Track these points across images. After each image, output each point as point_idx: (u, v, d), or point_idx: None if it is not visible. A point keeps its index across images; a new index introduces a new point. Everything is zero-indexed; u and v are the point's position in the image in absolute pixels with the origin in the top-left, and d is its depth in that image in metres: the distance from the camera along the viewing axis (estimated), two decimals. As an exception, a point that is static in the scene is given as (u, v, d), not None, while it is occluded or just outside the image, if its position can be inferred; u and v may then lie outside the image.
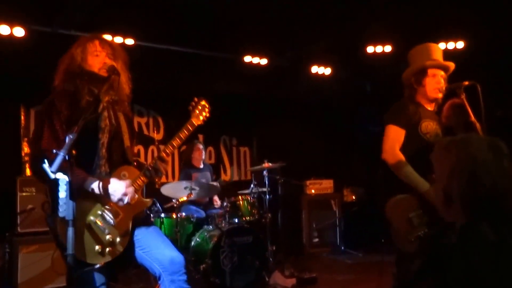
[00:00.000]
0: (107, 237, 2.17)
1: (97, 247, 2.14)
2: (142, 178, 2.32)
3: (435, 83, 2.78)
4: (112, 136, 2.32)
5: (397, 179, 2.66)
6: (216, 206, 5.20)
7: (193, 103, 2.57)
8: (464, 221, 1.39)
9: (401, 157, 2.66)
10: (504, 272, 1.24)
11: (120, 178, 2.26)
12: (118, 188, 2.17)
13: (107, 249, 2.16)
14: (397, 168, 2.65)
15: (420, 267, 1.41)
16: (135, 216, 2.31)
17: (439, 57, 2.85)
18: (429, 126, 2.79)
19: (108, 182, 2.16)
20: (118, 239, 2.20)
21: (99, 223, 2.17)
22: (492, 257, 1.27)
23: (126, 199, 2.19)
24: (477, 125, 2.61)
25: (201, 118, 2.56)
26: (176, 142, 2.42)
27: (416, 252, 2.11)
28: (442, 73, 2.81)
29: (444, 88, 2.79)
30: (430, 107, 2.87)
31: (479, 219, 1.35)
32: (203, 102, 2.59)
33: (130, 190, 2.22)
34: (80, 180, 2.11)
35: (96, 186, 2.14)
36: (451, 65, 2.84)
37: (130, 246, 2.28)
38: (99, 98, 2.25)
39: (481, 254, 1.28)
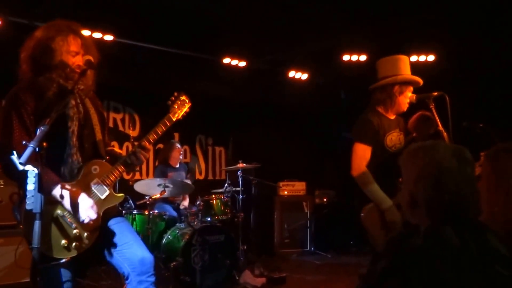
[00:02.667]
0: (74, 231, 2.11)
1: (63, 242, 2.09)
2: (119, 168, 2.28)
3: (409, 96, 2.92)
4: (82, 124, 2.26)
5: None
6: (181, 207, 5.15)
7: (173, 98, 2.52)
8: (428, 224, 1.42)
9: (367, 174, 2.80)
10: (466, 276, 1.27)
11: (91, 172, 2.22)
12: (85, 207, 2.10)
13: (74, 244, 2.10)
14: (363, 184, 2.80)
15: (385, 268, 1.44)
16: (106, 212, 2.25)
17: (409, 71, 2.98)
18: (393, 138, 2.95)
19: (77, 196, 2.09)
20: (85, 234, 2.14)
21: (66, 217, 2.12)
22: (454, 261, 1.29)
23: (87, 220, 2.12)
24: (444, 134, 2.75)
25: (180, 113, 2.50)
26: (152, 137, 2.37)
27: (381, 253, 2.21)
28: (411, 88, 2.95)
29: (414, 99, 2.92)
30: (392, 117, 3.00)
31: (443, 223, 1.38)
32: (183, 97, 2.53)
33: (92, 211, 2.13)
34: (51, 184, 2.04)
35: (59, 193, 2.05)
36: (420, 82, 2.97)
37: (99, 242, 2.22)
38: (70, 91, 2.17)
39: (443, 257, 1.30)
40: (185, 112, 2.54)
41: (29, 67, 2.22)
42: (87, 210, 2.11)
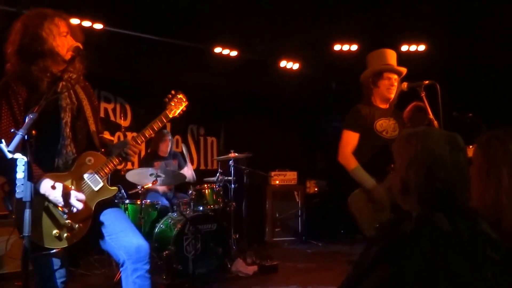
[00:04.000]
0: (66, 221, 2.10)
1: (54, 231, 2.08)
2: (115, 160, 2.28)
3: (389, 85, 3.03)
4: (75, 115, 2.24)
5: None
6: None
7: (170, 96, 2.53)
8: (420, 210, 1.43)
9: (352, 159, 2.96)
10: (457, 261, 1.28)
11: (85, 163, 2.21)
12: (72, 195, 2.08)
13: (65, 234, 2.09)
14: (347, 166, 2.96)
15: (377, 254, 1.45)
16: (100, 203, 2.24)
17: (394, 62, 3.10)
18: (384, 124, 3.03)
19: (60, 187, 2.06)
20: (77, 225, 2.13)
21: (59, 207, 2.10)
22: (446, 246, 1.30)
23: (75, 209, 2.11)
24: (435, 122, 2.79)
25: (176, 111, 2.52)
26: (148, 132, 2.38)
27: (374, 238, 2.25)
28: (395, 76, 3.06)
29: (405, 87, 3.00)
30: (384, 106, 3.11)
31: (434, 209, 1.38)
32: (180, 96, 2.54)
33: (77, 202, 2.11)
34: (36, 179, 2.01)
35: (47, 188, 2.03)
36: (404, 70, 3.10)
37: (92, 232, 2.21)
38: (60, 78, 2.14)
39: (435, 242, 1.30)
40: (182, 110, 2.56)
41: (20, 59, 2.18)
42: (72, 201, 2.09)
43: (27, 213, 1.79)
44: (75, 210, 2.11)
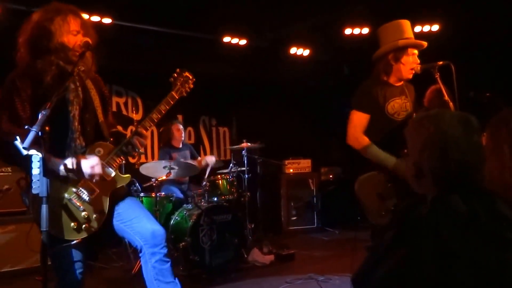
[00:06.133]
0: (82, 214, 2.15)
1: (72, 224, 2.12)
2: (118, 156, 2.28)
3: (413, 62, 2.82)
4: (82, 108, 2.25)
5: (364, 159, 2.77)
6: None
7: (175, 75, 2.47)
8: (435, 193, 1.41)
9: (364, 139, 2.76)
10: (475, 243, 1.26)
11: (95, 154, 2.21)
12: (85, 164, 2.11)
13: (83, 226, 2.14)
14: (362, 150, 2.76)
15: (393, 238, 1.43)
16: (114, 192, 2.27)
17: (411, 34, 2.89)
18: (395, 105, 2.86)
19: (79, 161, 2.10)
20: (94, 216, 2.17)
21: (74, 200, 2.15)
22: (463, 228, 1.28)
23: (95, 175, 2.14)
24: (451, 104, 2.70)
25: (183, 90, 2.46)
26: (155, 115, 2.34)
27: (389, 223, 2.21)
28: (416, 52, 2.85)
29: (418, 69, 2.83)
30: (398, 83, 2.91)
31: (449, 191, 1.36)
32: (186, 74, 2.48)
33: (97, 166, 2.14)
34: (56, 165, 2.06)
35: (66, 164, 2.07)
36: (425, 44, 2.88)
37: (108, 222, 2.25)
38: (70, 73, 2.14)
39: (451, 225, 1.29)
40: (189, 88, 2.48)
41: (27, 51, 2.19)
42: (92, 167, 2.12)
43: (44, 208, 1.82)
44: (95, 177, 2.14)
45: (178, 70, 2.49)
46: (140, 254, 2.31)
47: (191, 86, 2.49)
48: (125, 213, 2.30)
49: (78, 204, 2.15)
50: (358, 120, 2.83)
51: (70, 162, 2.08)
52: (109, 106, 2.48)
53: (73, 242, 2.12)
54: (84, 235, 2.15)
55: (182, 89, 2.46)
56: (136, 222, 2.28)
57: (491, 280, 1.25)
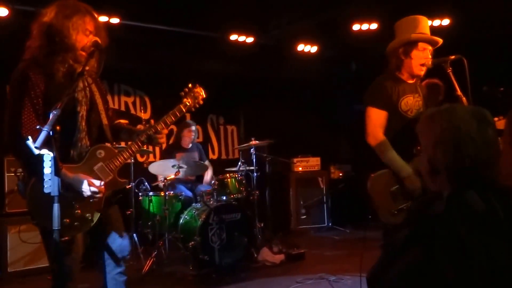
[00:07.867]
0: (76, 211, 2.14)
1: (64, 220, 2.09)
2: (126, 153, 2.29)
3: (423, 58, 2.75)
4: (89, 108, 2.27)
5: (376, 156, 2.71)
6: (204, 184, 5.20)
7: (186, 89, 2.48)
8: (451, 190, 1.39)
9: (384, 140, 2.69)
10: (493, 241, 1.24)
11: (95, 156, 2.24)
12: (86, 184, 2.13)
13: (76, 223, 2.14)
14: (380, 152, 2.69)
15: (408, 236, 1.39)
16: (109, 195, 2.27)
17: (427, 30, 2.82)
18: (409, 102, 2.79)
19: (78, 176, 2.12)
20: (87, 215, 2.18)
21: (68, 197, 2.12)
22: (480, 226, 1.26)
23: (94, 196, 2.16)
24: (464, 99, 2.65)
25: (191, 106, 2.47)
26: (160, 126, 2.35)
27: (403, 222, 2.16)
28: (430, 47, 2.79)
29: (429, 64, 2.77)
30: (411, 81, 2.85)
31: (465, 188, 1.34)
32: (197, 89, 2.49)
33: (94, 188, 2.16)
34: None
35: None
36: (440, 41, 2.82)
37: (102, 225, 2.25)
38: (81, 73, 2.12)
39: (468, 222, 1.27)
40: (198, 104, 2.50)
41: (42, 44, 2.17)
42: (90, 187, 2.13)
43: (56, 207, 1.82)
44: (99, 195, 2.16)
45: (190, 85, 2.50)
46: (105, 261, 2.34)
47: (201, 102, 2.51)
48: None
49: (72, 202, 2.14)
50: (377, 118, 2.74)
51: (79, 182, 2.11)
52: (110, 111, 2.49)
53: (63, 239, 2.08)
54: (74, 233, 2.15)
55: (189, 106, 2.47)
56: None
57: (511, 279, 1.21)
